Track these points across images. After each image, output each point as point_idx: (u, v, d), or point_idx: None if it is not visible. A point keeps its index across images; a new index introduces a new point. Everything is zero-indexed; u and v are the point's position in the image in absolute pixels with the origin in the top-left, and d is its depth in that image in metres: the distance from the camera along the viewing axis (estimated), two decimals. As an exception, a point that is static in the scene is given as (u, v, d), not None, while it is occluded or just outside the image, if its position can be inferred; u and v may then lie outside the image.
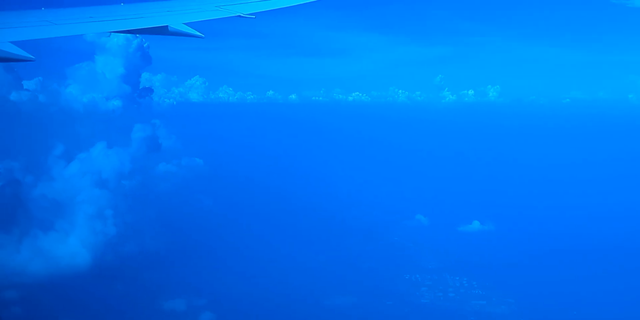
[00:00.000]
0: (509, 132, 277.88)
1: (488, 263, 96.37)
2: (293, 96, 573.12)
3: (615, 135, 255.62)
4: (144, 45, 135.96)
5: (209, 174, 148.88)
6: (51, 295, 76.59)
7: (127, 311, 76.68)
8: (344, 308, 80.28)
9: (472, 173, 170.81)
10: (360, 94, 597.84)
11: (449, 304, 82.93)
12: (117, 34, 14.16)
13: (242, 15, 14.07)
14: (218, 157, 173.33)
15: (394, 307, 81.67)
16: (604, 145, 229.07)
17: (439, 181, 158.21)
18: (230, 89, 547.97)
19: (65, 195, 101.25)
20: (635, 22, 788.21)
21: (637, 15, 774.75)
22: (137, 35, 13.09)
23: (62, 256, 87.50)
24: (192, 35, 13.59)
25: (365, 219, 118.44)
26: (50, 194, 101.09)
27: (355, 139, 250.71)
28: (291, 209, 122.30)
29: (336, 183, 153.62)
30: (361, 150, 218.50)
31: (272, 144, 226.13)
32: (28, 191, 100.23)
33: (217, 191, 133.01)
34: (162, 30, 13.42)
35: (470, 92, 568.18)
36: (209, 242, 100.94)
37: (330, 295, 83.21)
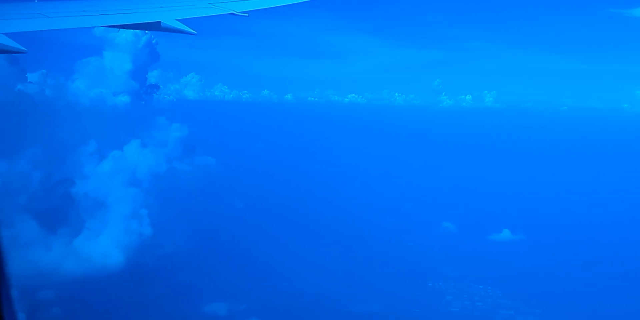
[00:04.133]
0: (525, 138, 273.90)
1: (514, 272, 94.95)
2: (289, 96, 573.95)
3: (616, 143, 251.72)
4: (153, 42, 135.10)
5: (227, 174, 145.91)
6: (87, 297, 76.37)
7: (167, 314, 76.75)
8: (373, 315, 79.95)
9: (491, 179, 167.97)
10: (356, 96, 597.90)
11: (478, 314, 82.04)
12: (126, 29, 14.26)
13: (234, 12, 14.03)
14: (229, 156, 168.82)
15: (423, 315, 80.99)
16: (609, 152, 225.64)
17: (462, 187, 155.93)
18: (226, 87, 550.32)
19: (90, 194, 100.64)
20: (633, 32, 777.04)
21: (634, 25, 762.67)
22: (147, 31, 13.19)
23: (97, 256, 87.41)
24: (184, 32, 13.62)
25: (386, 224, 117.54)
26: (75, 192, 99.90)
27: (364, 142, 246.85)
28: (314, 214, 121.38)
29: (357, 187, 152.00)
30: (371, 153, 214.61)
31: (282, 144, 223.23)
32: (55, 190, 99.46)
33: (244, 192, 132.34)
34: (155, 26, 13.48)
35: (468, 97, 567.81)
36: (230, 244, 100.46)
37: (357, 301, 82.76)
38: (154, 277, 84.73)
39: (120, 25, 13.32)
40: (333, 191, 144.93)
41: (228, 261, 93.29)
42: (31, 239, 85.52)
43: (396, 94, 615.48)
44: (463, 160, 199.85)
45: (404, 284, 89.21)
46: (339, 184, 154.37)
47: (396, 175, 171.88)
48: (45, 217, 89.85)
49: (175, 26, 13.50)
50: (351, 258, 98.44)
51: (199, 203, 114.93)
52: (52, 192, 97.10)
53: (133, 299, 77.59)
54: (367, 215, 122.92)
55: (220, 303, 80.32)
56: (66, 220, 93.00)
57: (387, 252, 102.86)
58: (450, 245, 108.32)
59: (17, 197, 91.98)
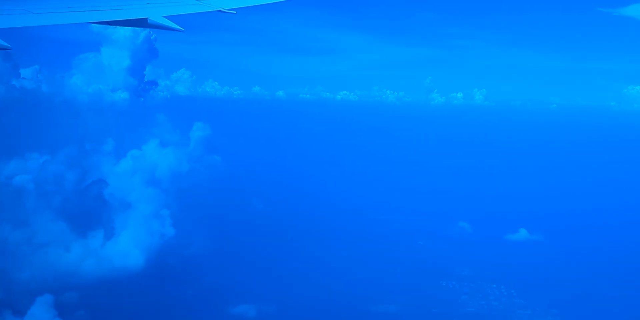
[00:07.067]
0: (518, 136, 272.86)
1: (531, 272, 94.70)
2: (280, 93, 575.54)
3: (605, 140, 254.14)
4: (151, 38, 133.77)
5: (236, 173, 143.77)
6: (110, 299, 76.20)
7: (195, 316, 76.42)
8: (391, 315, 79.85)
9: (498, 178, 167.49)
10: (348, 93, 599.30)
11: (495, 314, 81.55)
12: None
13: (222, 10, 13.84)
14: (233, 154, 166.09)
15: (440, 315, 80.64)
16: (598, 149, 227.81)
17: (475, 187, 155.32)
18: (217, 83, 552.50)
19: (106, 194, 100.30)
20: (621, 31, 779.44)
21: (623, 24, 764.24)
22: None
23: (120, 257, 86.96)
24: (172, 29, 13.43)
25: (401, 224, 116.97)
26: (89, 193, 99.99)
27: (363, 139, 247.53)
28: (328, 214, 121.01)
29: (365, 186, 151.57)
30: (372, 151, 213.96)
31: (287, 143, 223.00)
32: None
33: (259, 191, 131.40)
34: (142, 23, 13.28)
35: (459, 94, 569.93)
36: (245, 245, 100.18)
37: (375, 301, 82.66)
38: (179, 278, 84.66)
39: (107, 22, 13.14)
40: (343, 191, 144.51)
41: (245, 262, 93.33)
42: (50, 240, 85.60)
43: (387, 91, 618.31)
44: (464, 159, 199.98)
45: (421, 284, 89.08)
46: (348, 183, 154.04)
47: (402, 173, 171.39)
48: (66, 218, 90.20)
49: (163, 23, 13.30)
50: (367, 258, 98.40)
51: (212, 202, 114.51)
52: (72, 192, 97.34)
53: (158, 301, 77.50)
54: (380, 215, 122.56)
55: (248, 304, 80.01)
56: (88, 221, 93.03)
57: (403, 252, 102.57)
58: (466, 245, 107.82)
59: (30, 197, 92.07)
